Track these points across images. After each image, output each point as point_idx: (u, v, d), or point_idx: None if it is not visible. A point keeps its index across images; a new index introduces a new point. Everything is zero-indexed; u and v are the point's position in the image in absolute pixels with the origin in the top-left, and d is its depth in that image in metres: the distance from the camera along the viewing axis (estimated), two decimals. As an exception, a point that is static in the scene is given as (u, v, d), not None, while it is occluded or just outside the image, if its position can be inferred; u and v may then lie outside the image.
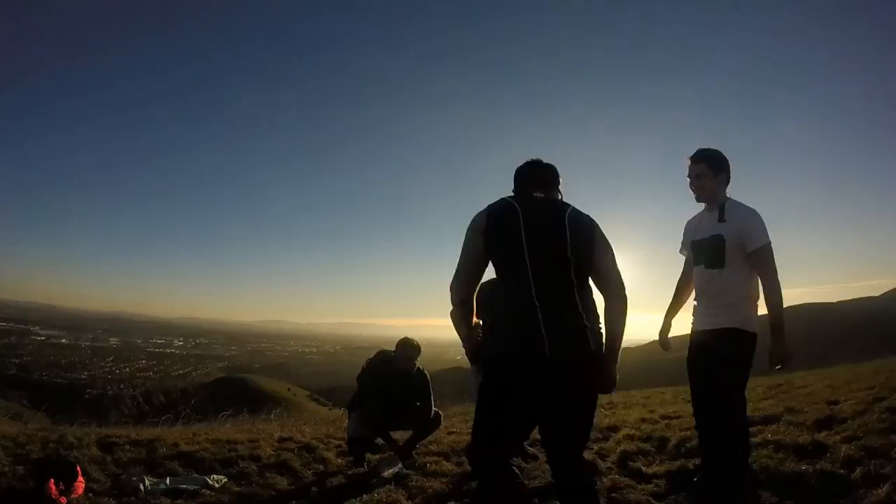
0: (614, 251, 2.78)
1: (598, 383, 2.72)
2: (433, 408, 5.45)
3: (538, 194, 2.86)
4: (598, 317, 2.74)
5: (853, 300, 60.42)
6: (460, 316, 2.95)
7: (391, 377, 5.31)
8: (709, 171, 3.73)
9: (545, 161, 3.02)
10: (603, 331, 2.72)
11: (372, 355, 5.59)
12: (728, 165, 3.78)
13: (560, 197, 2.96)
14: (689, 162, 3.81)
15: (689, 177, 3.81)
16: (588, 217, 2.78)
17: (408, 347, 5.33)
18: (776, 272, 3.61)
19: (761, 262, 3.61)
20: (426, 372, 5.55)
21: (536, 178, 2.95)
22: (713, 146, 3.81)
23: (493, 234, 2.71)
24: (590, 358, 2.64)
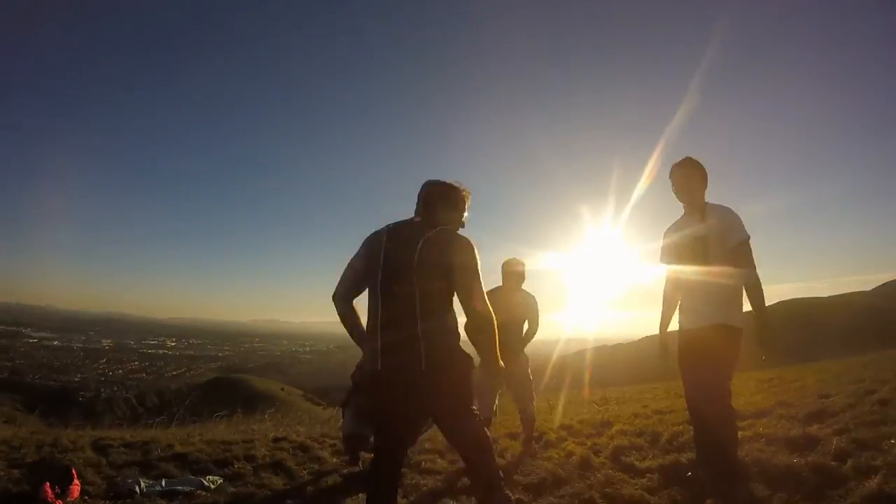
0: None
1: (432, 398, 2.88)
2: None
3: (417, 218, 3.11)
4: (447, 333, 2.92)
5: (843, 295, 60.39)
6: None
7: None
8: (696, 173, 3.93)
9: (443, 180, 3.20)
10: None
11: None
12: (704, 171, 3.96)
13: (460, 219, 3.20)
14: (675, 168, 4.01)
15: (673, 178, 4.01)
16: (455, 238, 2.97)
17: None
18: (755, 266, 3.72)
19: (740, 257, 3.71)
20: None
21: (421, 199, 3.18)
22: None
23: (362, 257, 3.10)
24: (419, 372, 2.80)
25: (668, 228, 4.18)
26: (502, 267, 5.45)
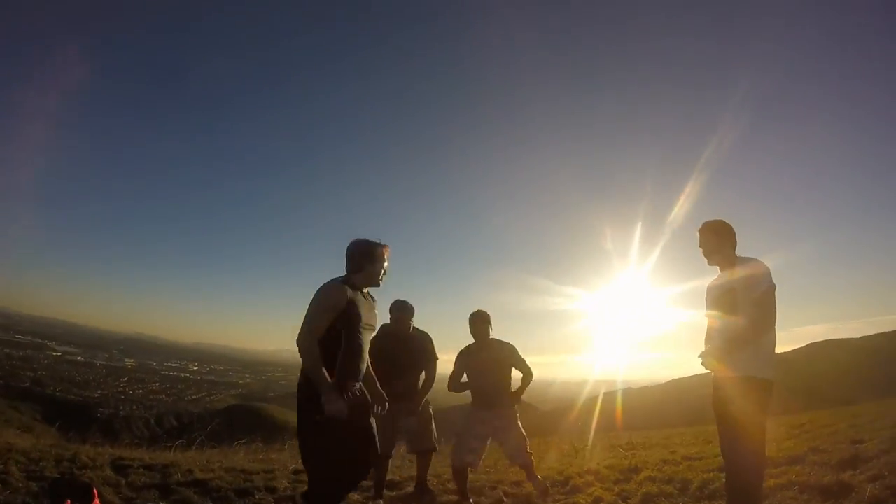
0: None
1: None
2: (435, 371, 5.44)
3: None
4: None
5: (876, 335, 58.53)
6: None
7: (390, 343, 5.19)
8: (713, 238, 4.09)
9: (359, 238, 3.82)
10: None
11: None
12: (732, 231, 4.08)
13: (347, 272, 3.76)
14: (701, 232, 4.17)
15: (701, 241, 4.16)
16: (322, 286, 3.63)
17: (399, 308, 5.31)
18: (769, 316, 3.79)
19: (761, 304, 3.78)
20: (426, 332, 5.48)
21: None
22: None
23: None
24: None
25: (710, 284, 4.26)
26: (468, 319, 5.48)
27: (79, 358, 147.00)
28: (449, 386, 5.51)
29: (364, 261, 3.71)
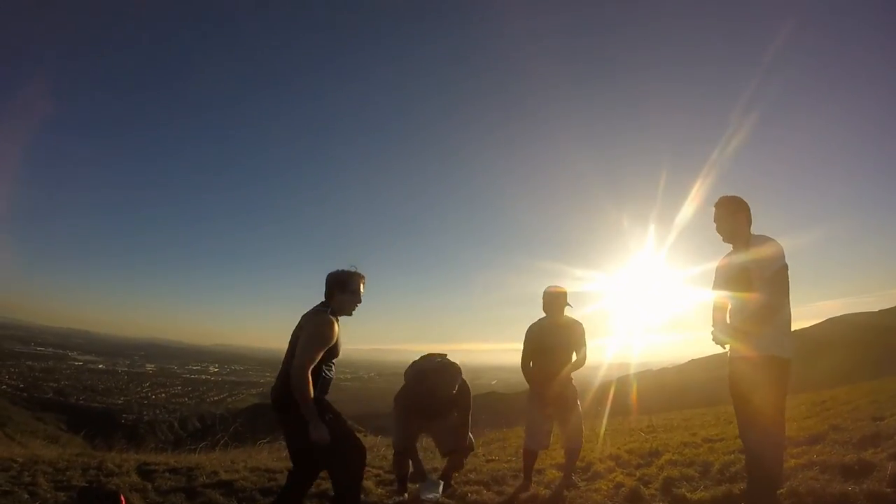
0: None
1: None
2: (469, 429, 5.20)
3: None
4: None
5: (894, 308, 57.13)
6: None
7: (428, 398, 4.99)
8: (728, 215, 4.02)
9: (340, 269, 3.94)
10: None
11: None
12: (747, 207, 4.01)
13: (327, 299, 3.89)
14: (717, 207, 4.10)
15: (716, 217, 4.09)
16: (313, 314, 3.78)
17: (442, 380, 4.97)
18: (783, 294, 3.77)
19: (775, 283, 3.76)
20: (467, 384, 5.20)
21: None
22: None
23: None
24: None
25: (720, 261, 4.22)
26: (543, 295, 5.27)
27: (101, 366, 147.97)
28: (523, 366, 5.27)
29: (342, 291, 3.85)
